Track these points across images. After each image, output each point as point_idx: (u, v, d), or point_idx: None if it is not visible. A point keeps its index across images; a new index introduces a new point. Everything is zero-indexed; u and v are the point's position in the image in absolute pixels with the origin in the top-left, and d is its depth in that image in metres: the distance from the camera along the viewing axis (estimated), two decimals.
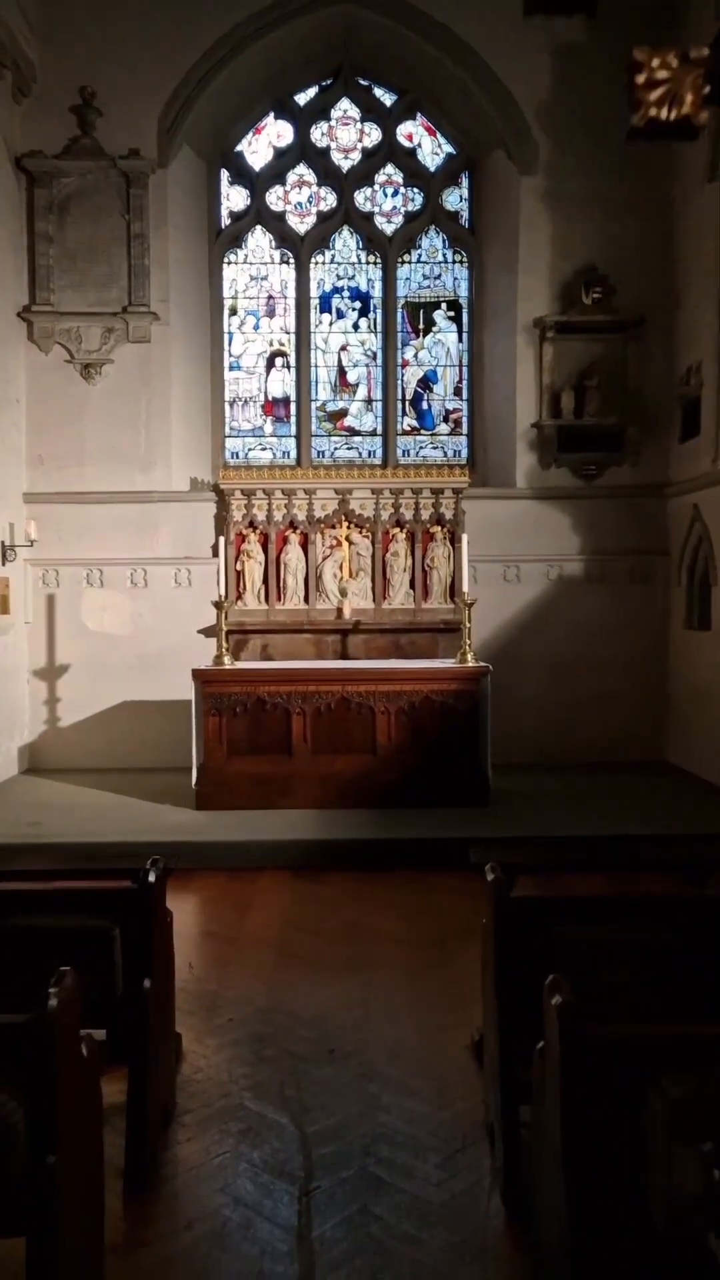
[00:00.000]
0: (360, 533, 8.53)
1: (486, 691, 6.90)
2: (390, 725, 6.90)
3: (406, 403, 9.22)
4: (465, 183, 9.18)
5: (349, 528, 8.50)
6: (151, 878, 2.92)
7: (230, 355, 9.18)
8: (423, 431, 9.23)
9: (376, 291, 9.20)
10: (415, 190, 9.17)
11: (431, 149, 9.18)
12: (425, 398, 9.22)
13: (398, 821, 6.43)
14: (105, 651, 8.48)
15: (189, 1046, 3.58)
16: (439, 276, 9.24)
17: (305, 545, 8.49)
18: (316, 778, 6.84)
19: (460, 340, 9.22)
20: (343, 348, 9.20)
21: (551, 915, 2.74)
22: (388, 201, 9.20)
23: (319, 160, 9.12)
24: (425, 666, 7.04)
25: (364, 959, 4.47)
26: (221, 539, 7.54)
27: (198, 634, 8.39)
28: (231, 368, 9.18)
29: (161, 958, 3.04)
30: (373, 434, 9.21)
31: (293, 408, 9.18)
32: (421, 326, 9.21)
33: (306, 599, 8.49)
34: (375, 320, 9.19)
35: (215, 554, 7.49)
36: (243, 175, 9.09)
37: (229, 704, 6.84)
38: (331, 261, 9.21)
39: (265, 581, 8.48)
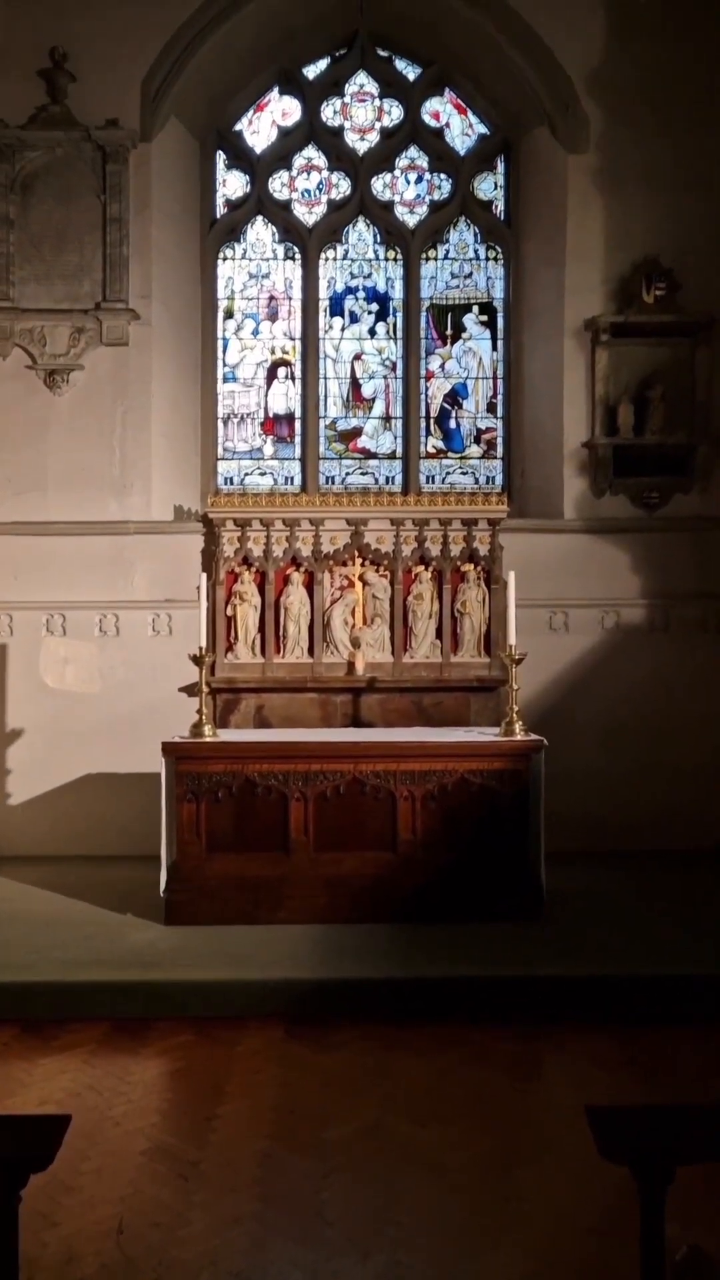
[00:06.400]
0: (377, 571, 7.07)
1: (539, 772, 5.40)
2: (415, 814, 5.40)
3: (431, 420, 7.82)
4: (501, 167, 7.86)
5: (363, 565, 7.05)
6: None
7: (225, 364, 7.81)
8: (450, 454, 7.82)
9: (396, 292, 7.84)
10: (442, 176, 7.85)
11: (461, 129, 7.87)
12: (453, 415, 7.82)
13: (426, 945, 4.90)
14: (67, 713, 7.00)
15: None
16: (469, 275, 7.88)
17: (310, 586, 7.04)
18: (320, 882, 5.32)
19: (494, 348, 7.84)
20: (356, 357, 7.82)
21: None
22: (410, 189, 7.88)
23: (330, 141, 7.81)
24: (461, 740, 5.54)
25: (389, 1209, 2.93)
26: (206, 578, 6.10)
27: (179, 692, 6.93)
28: (226, 379, 7.81)
29: None
30: (391, 456, 7.80)
31: (298, 426, 7.79)
32: (449, 333, 7.84)
33: (311, 650, 7.02)
34: (395, 325, 7.83)
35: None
36: (242, 158, 7.79)
37: (209, 786, 5.35)
38: (344, 257, 7.87)
39: (261, 629, 7.02)
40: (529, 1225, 2.85)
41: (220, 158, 7.80)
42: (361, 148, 7.82)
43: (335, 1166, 3.18)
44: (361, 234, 7.87)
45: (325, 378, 7.80)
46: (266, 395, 7.80)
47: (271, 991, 4.42)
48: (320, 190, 7.85)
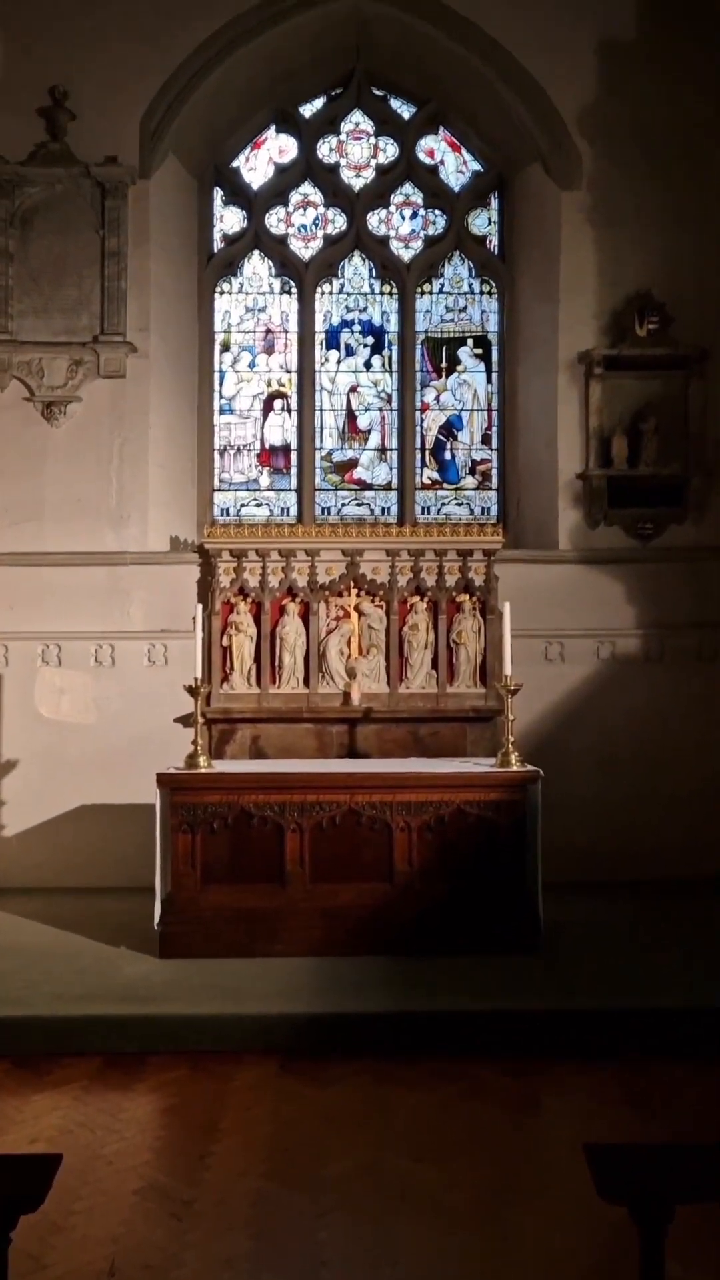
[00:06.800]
0: (372, 602, 7.09)
1: (536, 803, 5.39)
2: (411, 845, 5.37)
3: (426, 452, 7.87)
4: (494, 204, 7.96)
5: (359, 595, 7.07)
6: None
7: (221, 397, 7.86)
8: (445, 485, 7.86)
9: (392, 325, 7.91)
10: (437, 212, 7.94)
11: (456, 166, 7.98)
12: (448, 446, 7.88)
13: (423, 978, 4.86)
14: (62, 744, 6.98)
15: None
16: (464, 309, 7.96)
17: (306, 616, 7.05)
18: (316, 914, 5.29)
19: (489, 381, 7.90)
20: (352, 389, 7.88)
21: None
22: (405, 225, 7.97)
23: (326, 178, 7.92)
24: (457, 771, 5.53)
25: (386, 1248, 2.89)
26: (201, 608, 6.11)
27: (174, 723, 6.91)
28: (222, 411, 7.86)
29: None
30: (387, 487, 7.84)
31: (293, 457, 7.84)
32: (444, 365, 7.90)
33: (307, 681, 7.02)
34: (390, 358, 7.89)
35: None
36: (239, 194, 7.88)
37: (205, 817, 5.32)
38: (340, 291, 7.95)
39: (257, 660, 7.02)
40: (528, 1265, 2.81)
41: (218, 194, 7.89)
42: (357, 184, 7.92)
43: (332, 1205, 3.13)
44: (357, 268, 7.95)
45: (321, 410, 7.85)
46: (262, 427, 7.85)
47: (267, 1025, 4.38)
48: (316, 225, 7.94)
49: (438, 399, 7.90)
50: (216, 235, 7.88)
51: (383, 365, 7.90)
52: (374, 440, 7.87)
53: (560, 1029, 4.40)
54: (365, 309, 7.94)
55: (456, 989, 4.72)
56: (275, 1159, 3.43)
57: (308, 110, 7.91)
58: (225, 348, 7.89)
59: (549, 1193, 3.22)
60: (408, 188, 7.96)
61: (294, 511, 7.78)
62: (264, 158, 7.94)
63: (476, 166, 7.94)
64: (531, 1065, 4.20)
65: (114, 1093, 3.98)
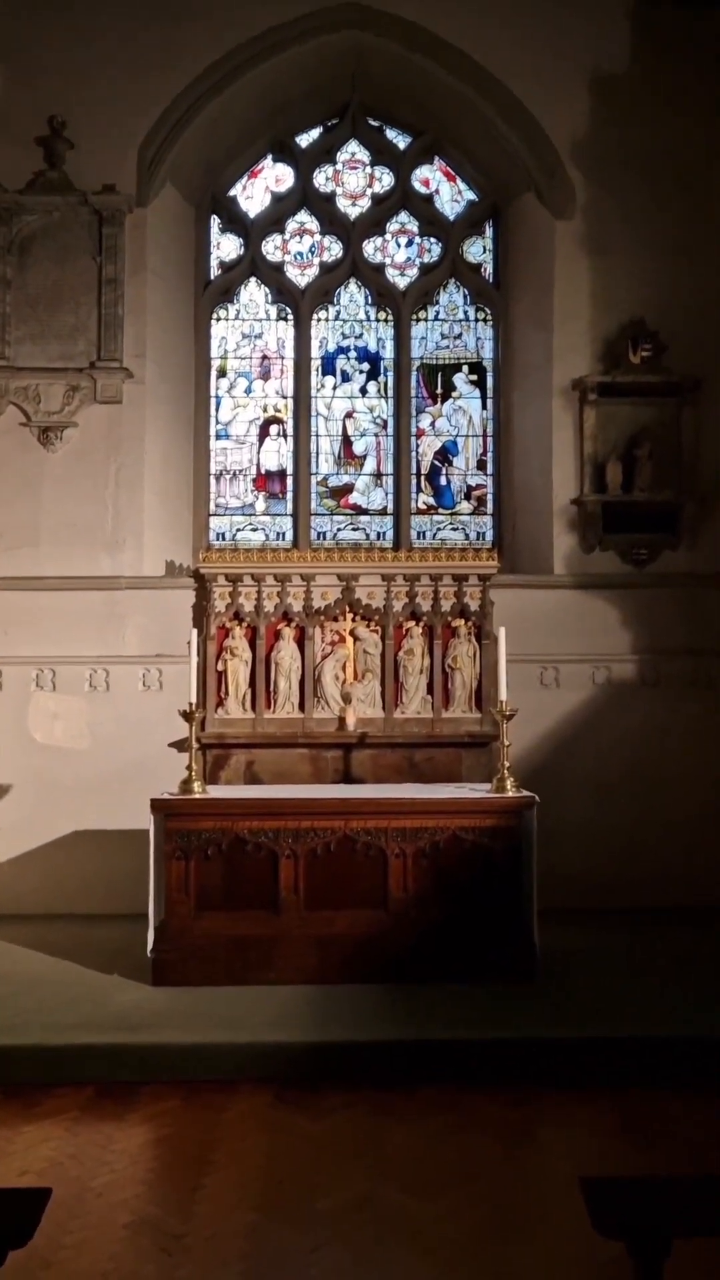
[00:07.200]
0: (368, 626, 7.09)
1: (531, 829, 5.36)
2: (407, 872, 5.34)
3: (422, 477, 7.89)
4: (489, 232, 8.03)
5: (354, 620, 7.07)
6: None
7: (217, 422, 7.89)
8: (441, 510, 7.88)
9: (387, 352, 7.96)
10: (432, 240, 8.01)
11: (451, 195, 8.06)
12: (444, 472, 7.90)
13: (418, 1007, 4.82)
14: (56, 769, 6.95)
15: None
16: (459, 336, 8.01)
17: (301, 641, 7.04)
18: (311, 941, 5.25)
19: (484, 407, 7.94)
20: (348, 415, 7.92)
21: None
22: (401, 252, 8.04)
23: (323, 207, 7.99)
24: (452, 796, 5.51)
25: None
26: (197, 633, 6.10)
27: (169, 748, 6.88)
28: (218, 436, 7.88)
29: None
30: (382, 513, 7.86)
31: (289, 482, 7.86)
32: (439, 391, 7.94)
33: (302, 706, 7.00)
34: (386, 384, 7.94)
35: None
36: (235, 222, 7.95)
37: (199, 844, 5.29)
38: (336, 318, 8.00)
39: (252, 685, 7.01)
40: None
41: (214, 221, 7.95)
42: (353, 213, 7.98)
43: (325, 1239, 3.09)
44: (353, 295, 8.00)
45: (317, 435, 7.88)
46: (258, 452, 7.87)
47: (261, 1055, 4.33)
48: (313, 253, 8.00)
49: (433, 425, 7.93)
50: (213, 262, 7.94)
51: (378, 391, 7.94)
52: (369, 465, 7.89)
53: (556, 1058, 4.36)
54: (361, 335, 7.99)
55: (452, 1018, 4.68)
56: (268, 1192, 3.38)
57: (304, 140, 7.99)
58: (221, 373, 7.93)
59: (545, 1226, 3.18)
60: (403, 216, 8.03)
61: (289, 536, 7.79)
62: (261, 186, 8.01)
63: (471, 195, 8.01)
64: (527, 1095, 4.16)
65: (106, 1123, 3.93)
